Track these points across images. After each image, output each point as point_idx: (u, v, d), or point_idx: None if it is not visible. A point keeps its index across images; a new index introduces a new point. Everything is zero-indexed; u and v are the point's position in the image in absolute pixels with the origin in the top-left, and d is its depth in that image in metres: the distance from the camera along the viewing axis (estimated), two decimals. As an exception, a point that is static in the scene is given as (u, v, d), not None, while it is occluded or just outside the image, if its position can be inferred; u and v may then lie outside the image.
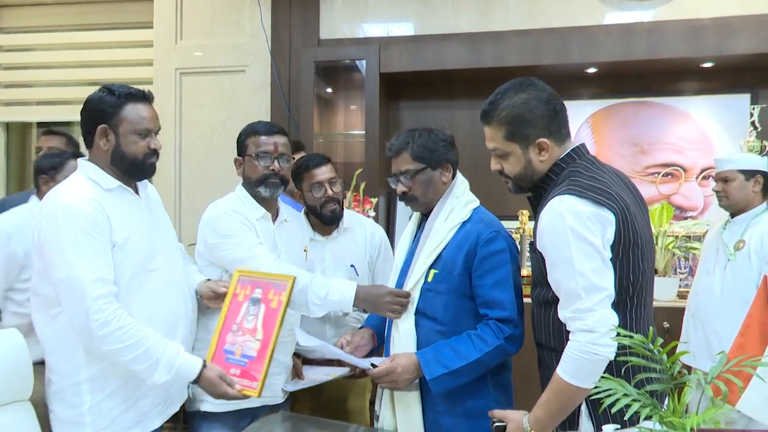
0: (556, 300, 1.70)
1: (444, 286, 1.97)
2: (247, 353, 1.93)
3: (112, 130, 1.89)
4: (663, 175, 3.68)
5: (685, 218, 3.63)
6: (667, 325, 3.17)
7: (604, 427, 1.30)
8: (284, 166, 2.28)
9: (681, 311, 3.08)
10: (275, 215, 2.34)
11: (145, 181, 2.04)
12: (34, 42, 4.58)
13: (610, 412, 1.19)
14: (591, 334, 1.55)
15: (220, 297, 2.11)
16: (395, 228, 3.82)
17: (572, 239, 1.59)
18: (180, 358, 1.84)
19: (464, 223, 2.01)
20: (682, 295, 3.35)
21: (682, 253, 3.40)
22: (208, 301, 2.15)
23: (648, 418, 1.20)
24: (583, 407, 1.66)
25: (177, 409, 2.06)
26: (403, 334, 1.99)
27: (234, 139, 2.36)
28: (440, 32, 3.80)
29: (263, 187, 2.25)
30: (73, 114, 4.57)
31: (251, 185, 2.27)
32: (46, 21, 4.51)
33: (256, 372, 1.88)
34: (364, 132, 3.67)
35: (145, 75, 4.23)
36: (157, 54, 4.17)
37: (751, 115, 3.41)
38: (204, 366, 1.88)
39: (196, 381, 1.87)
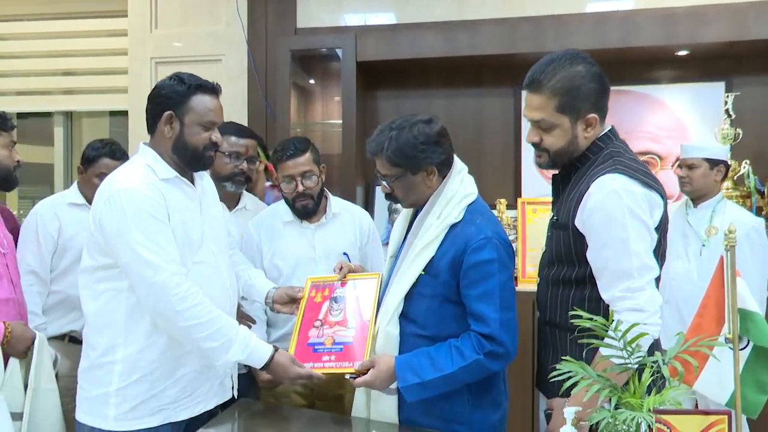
0: (581, 279, 1.69)
1: (428, 290, 1.87)
2: (341, 341, 1.98)
3: (178, 118, 1.93)
4: (639, 163, 3.69)
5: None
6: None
7: (565, 409, 1.31)
8: (252, 168, 2.57)
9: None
10: (236, 203, 2.61)
11: (203, 173, 2.06)
12: (7, 31, 4.50)
13: None
14: (641, 314, 1.54)
15: (295, 302, 2.17)
16: (374, 216, 3.80)
17: (629, 219, 1.59)
18: (254, 341, 1.88)
19: (455, 225, 1.87)
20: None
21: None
22: (282, 307, 2.20)
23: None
24: None
25: (208, 407, 1.97)
26: (386, 337, 1.90)
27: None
28: (416, 21, 3.77)
29: (230, 183, 2.52)
30: (52, 104, 4.51)
31: (218, 179, 2.40)
32: (18, 10, 4.43)
33: (359, 352, 1.93)
34: (341, 121, 3.65)
35: (120, 64, 4.18)
36: (131, 43, 4.12)
37: (726, 102, 3.42)
38: (275, 350, 1.90)
39: (266, 366, 1.88)
